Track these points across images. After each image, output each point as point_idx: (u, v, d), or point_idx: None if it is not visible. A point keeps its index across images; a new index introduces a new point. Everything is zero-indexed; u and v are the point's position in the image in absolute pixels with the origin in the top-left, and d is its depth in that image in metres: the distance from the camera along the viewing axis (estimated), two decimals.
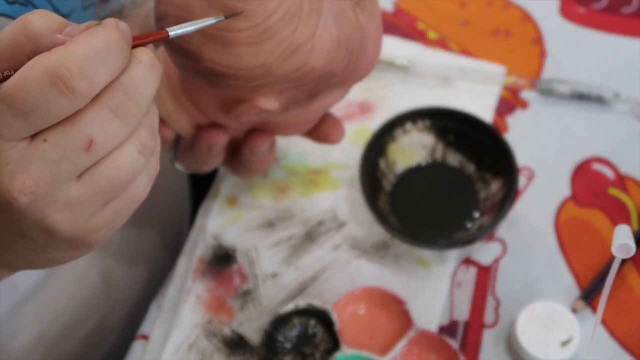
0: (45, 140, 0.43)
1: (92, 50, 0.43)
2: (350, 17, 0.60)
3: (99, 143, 0.44)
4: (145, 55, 0.45)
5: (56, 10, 0.62)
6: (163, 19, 0.58)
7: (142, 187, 0.47)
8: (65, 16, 0.63)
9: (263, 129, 0.68)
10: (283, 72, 0.58)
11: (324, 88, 0.62)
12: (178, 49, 0.58)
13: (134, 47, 0.46)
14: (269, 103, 0.61)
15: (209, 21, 0.51)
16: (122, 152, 0.45)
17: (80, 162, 0.44)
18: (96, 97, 0.44)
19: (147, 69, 0.45)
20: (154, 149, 0.47)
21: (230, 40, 0.56)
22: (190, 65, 0.59)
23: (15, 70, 0.43)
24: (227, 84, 0.59)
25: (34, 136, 0.44)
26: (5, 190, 0.43)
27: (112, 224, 0.48)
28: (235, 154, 0.70)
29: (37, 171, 0.44)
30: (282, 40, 0.57)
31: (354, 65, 0.62)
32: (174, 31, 0.48)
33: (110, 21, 0.45)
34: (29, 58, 0.44)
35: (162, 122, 0.67)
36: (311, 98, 0.63)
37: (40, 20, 0.44)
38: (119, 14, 0.73)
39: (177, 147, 0.70)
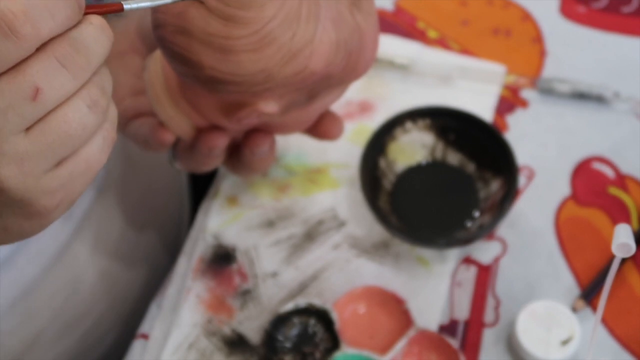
0: None
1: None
2: (348, 19, 0.60)
3: (45, 93, 0.43)
4: (96, 19, 0.45)
5: None
6: (161, 27, 0.58)
7: (96, 151, 0.46)
8: None
9: (263, 129, 0.68)
10: (283, 77, 0.58)
11: (323, 89, 0.62)
12: (177, 57, 0.58)
13: (86, 14, 0.45)
14: (269, 106, 0.61)
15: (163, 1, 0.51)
16: (71, 105, 0.44)
17: (27, 113, 0.43)
18: (43, 47, 0.43)
19: (98, 30, 0.45)
20: (106, 108, 0.46)
21: (230, 48, 0.56)
22: (190, 73, 0.59)
23: None
24: (228, 90, 0.59)
25: None
26: None
27: (68, 189, 0.47)
28: (235, 153, 0.70)
29: None
30: (281, 45, 0.57)
31: (352, 65, 0.62)
32: (128, 4, 0.48)
33: None
34: None
35: (162, 125, 0.67)
36: (311, 99, 0.63)
37: None
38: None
39: (176, 147, 0.70)
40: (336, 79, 0.62)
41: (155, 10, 0.58)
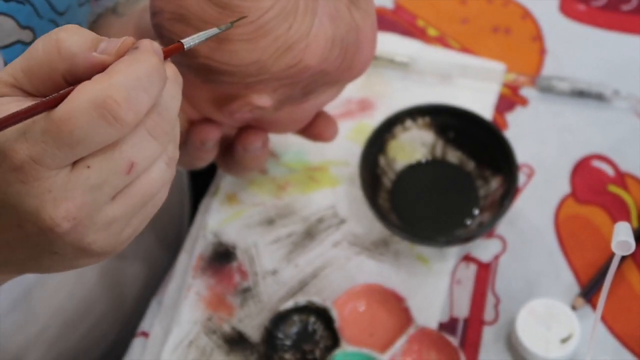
0: (88, 167, 0.44)
1: (136, 79, 0.43)
2: (346, 16, 0.60)
3: (138, 165, 0.44)
4: (170, 70, 0.46)
5: (52, 7, 0.62)
6: (158, 14, 0.58)
7: (163, 195, 0.48)
8: (62, 13, 0.63)
9: (256, 126, 0.68)
10: (277, 69, 0.58)
11: (318, 86, 0.62)
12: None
13: None
14: (262, 100, 0.61)
15: (217, 30, 0.51)
16: (154, 168, 0.46)
17: (120, 184, 0.45)
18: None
19: (173, 85, 0.46)
20: (177, 158, 0.48)
21: (225, 37, 0.56)
22: (185, 61, 0.59)
23: (57, 102, 0.43)
24: (222, 80, 0.59)
25: (75, 162, 0.44)
26: (49, 218, 0.43)
27: (137, 232, 0.48)
28: (229, 151, 0.70)
29: (80, 197, 0.44)
30: (277, 37, 0.57)
31: (348, 63, 0.62)
32: (188, 43, 0.48)
33: (147, 44, 0.45)
34: (65, 78, 0.44)
35: None
36: (305, 96, 0.63)
37: (72, 38, 0.44)
38: (113, 11, 0.73)
39: None
40: (331, 76, 0.62)
41: None
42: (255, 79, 0.59)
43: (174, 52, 0.48)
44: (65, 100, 0.42)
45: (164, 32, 0.59)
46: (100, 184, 0.44)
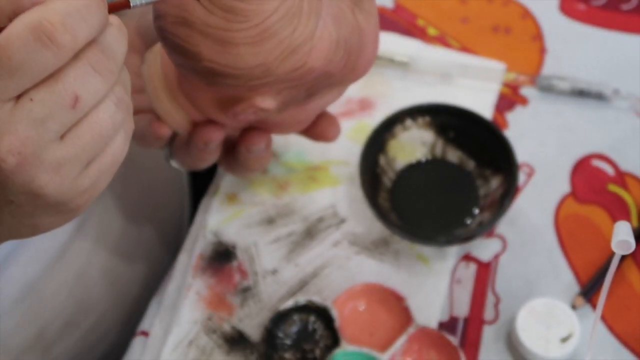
0: (31, 100, 0.43)
1: (71, 6, 0.43)
2: (349, 18, 0.60)
3: (83, 99, 0.44)
4: (114, 18, 0.46)
5: None
6: (162, 18, 0.58)
7: (120, 145, 0.47)
8: None
9: (260, 127, 0.68)
10: (282, 72, 0.58)
11: (321, 87, 0.62)
12: (177, 48, 0.58)
13: None
14: (266, 102, 0.61)
15: None
16: (102, 107, 0.45)
17: (66, 120, 0.44)
18: (77, 55, 0.44)
19: (118, 31, 0.46)
20: (129, 104, 0.47)
21: (229, 40, 0.56)
22: (189, 64, 0.59)
23: None
24: (226, 83, 0.59)
25: (19, 96, 0.43)
26: None
27: (96, 186, 0.48)
28: (232, 152, 0.70)
29: (24, 131, 0.43)
30: (281, 40, 0.57)
31: (352, 65, 0.62)
32: (134, 1, 0.49)
33: None
34: (10, 19, 0.43)
35: (159, 119, 0.67)
36: (309, 97, 0.63)
37: None
38: None
39: (172, 144, 0.70)
40: (335, 77, 0.62)
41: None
42: (259, 81, 0.59)
43: (118, 7, 0.48)
44: (4, 30, 0.43)
45: (167, 36, 0.58)
46: (44, 118, 0.43)
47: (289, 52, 0.57)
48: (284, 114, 0.64)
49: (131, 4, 0.49)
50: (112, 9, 0.47)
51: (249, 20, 0.56)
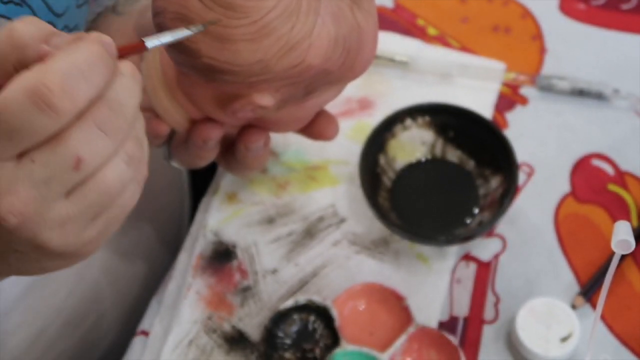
0: (32, 161, 0.43)
1: (72, 65, 0.42)
2: (348, 16, 0.60)
3: (87, 161, 0.43)
4: (127, 66, 0.45)
5: (50, 9, 0.62)
6: (161, 14, 0.58)
7: (130, 196, 0.47)
8: (60, 15, 0.63)
9: (258, 125, 0.68)
10: (280, 69, 0.58)
11: (320, 85, 0.62)
12: (175, 45, 0.58)
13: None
14: (265, 99, 0.61)
15: (186, 32, 0.50)
16: (110, 166, 0.44)
17: (69, 181, 0.44)
18: (82, 114, 0.43)
19: (130, 81, 0.44)
20: (141, 157, 0.47)
21: (228, 37, 0.56)
22: (188, 61, 0.59)
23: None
24: (224, 80, 0.59)
25: (21, 156, 0.43)
26: None
27: (104, 234, 0.47)
28: (230, 150, 0.70)
29: (26, 192, 0.43)
30: (280, 37, 0.57)
31: (350, 63, 0.62)
32: (151, 42, 0.47)
33: (93, 35, 0.44)
34: (15, 68, 0.43)
35: (158, 117, 0.67)
36: (307, 95, 0.63)
37: (26, 28, 0.43)
38: (112, 10, 0.73)
39: (171, 143, 0.70)
40: (333, 75, 0.62)
41: None
42: (258, 78, 0.59)
43: (133, 50, 0.46)
44: (1, 91, 0.42)
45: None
46: (47, 179, 0.43)
47: (287, 48, 0.58)
48: (282, 111, 0.64)
49: (147, 45, 0.47)
50: (127, 52, 0.45)
51: (247, 16, 0.56)
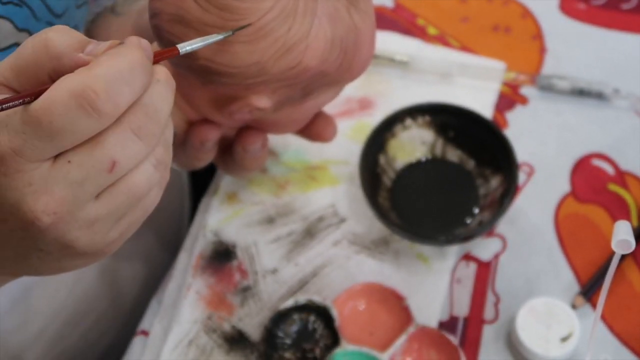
0: (69, 162, 0.44)
1: (116, 71, 0.43)
2: (345, 17, 0.60)
3: (121, 164, 0.44)
4: (162, 73, 0.46)
5: (49, 10, 0.62)
6: (157, 16, 0.58)
7: (153, 199, 0.48)
8: (59, 15, 0.63)
9: (256, 127, 0.68)
10: (277, 71, 0.58)
11: (317, 87, 0.62)
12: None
13: None
14: (262, 101, 0.61)
15: (217, 37, 0.51)
16: (140, 170, 0.46)
17: (102, 183, 0.45)
18: (119, 118, 0.44)
19: (165, 87, 0.45)
20: (168, 162, 0.48)
21: (225, 39, 0.56)
22: (185, 63, 0.59)
23: (37, 95, 0.43)
24: (222, 81, 0.59)
25: (57, 156, 0.44)
26: (29, 211, 0.44)
27: (125, 235, 0.49)
28: (228, 151, 0.70)
29: (61, 192, 0.44)
30: (276, 39, 0.57)
31: (347, 64, 0.62)
32: (184, 48, 0.48)
33: (133, 39, 0.45)
34: (51, 77, 0.44)
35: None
36: (304, 97, 0.63)
37: (61, 38, 0.44)
38: (111, 10, 0.73)
39: None
40: (331, 77, 0.62)
41: None
42: (255, 80, 0.59)
43: (167, 55, 0.47)
44: (46, 92, 0.43)
45: (163, 34, 0.59)
46: (82, 181, 0.44)
47: (284, 50, 0.58)
48: (279, 113, 0.64)
49: (180, 51, 0.48)
50: (161, 57, 0.46)
51: (244, 18, 0.56)
